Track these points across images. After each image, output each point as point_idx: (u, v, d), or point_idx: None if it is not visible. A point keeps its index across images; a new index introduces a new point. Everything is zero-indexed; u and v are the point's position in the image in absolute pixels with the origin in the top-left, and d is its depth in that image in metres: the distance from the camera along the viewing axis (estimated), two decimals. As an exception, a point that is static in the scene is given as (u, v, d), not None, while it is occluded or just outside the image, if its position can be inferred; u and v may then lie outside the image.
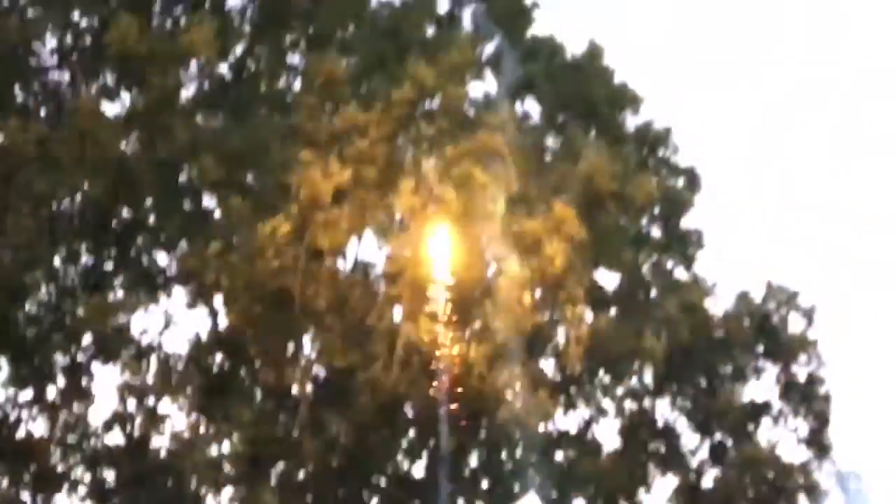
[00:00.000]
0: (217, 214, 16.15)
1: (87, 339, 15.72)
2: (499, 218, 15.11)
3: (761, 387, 17.18)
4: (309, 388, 16.54)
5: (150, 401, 15.91)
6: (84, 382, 16.13)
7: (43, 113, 16.57)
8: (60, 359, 15.94)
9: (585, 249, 15.23)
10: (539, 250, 15.13)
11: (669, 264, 18.62)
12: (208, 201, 16.68)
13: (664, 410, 17.05)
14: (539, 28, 19.35)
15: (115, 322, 15.39)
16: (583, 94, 17.66)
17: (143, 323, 16.20)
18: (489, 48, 19.18)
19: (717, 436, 16.66)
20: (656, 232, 18.67)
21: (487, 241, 16.06)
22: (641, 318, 16.64)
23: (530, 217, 14.94)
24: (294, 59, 18.77)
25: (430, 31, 17.17)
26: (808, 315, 17.35)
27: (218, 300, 16.26)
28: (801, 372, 17.35)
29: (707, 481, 16.65)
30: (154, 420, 16.21)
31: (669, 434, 16.76)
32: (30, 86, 16.50)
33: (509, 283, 15.63)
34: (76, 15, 17.71)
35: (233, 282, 15.21)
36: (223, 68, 17.87)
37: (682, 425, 16.96)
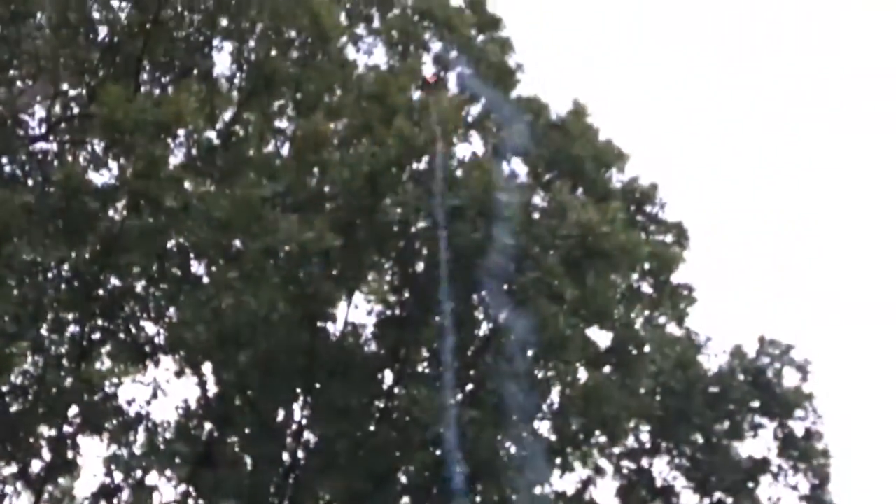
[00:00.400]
0: (205, 280, 16.05)
1: (73, 410, 15.43)
2: (490, 276, 15.07)
3: (759, 443, 16.97)
4: (300, 455, 16.26)
5: (138, 473, 15.57)
6: (70, 455, 15.78)
7: (30, 182, 16.56)
8: (46, 431, 15.62)
9: (576, 307, 15.16)
10: (529, 309, 15.06)
11: (662, 320, 18.57)
12: (197, 268, 16.62)
13: (662, 469, 16.79)
14: (524, 88, 19.66)
15: (102, 392, 15.14)
16: (568, 152, 17.81)
17: (131, 392, 15.98)
18: (475, 109, 19.42)
19: (717, 494, 16.38)
20: (647, 288, 18.66)
21: (479, 299, 16.01)
22: (635, 376, 16.50)
23: (520, 276, 14.90)
24: (282, 123, 18.97)
25: (416, 94, 17.36)
26: (803, 369, 17.25)
27: (206, 367, 16.08)
28: (798, 427, 17.18)
29: (708, 542, 16.31)
30: (142, 492, 15.85)
31: (668, 493, 16.47)
32: (17, 156, 16.52)
33: (500, 342, 15.52)
34: (64, 85, 17.90)
35: (221, 350, 15.04)
36: (211, 134, 18.01)
37: (681, 484, 16.68)
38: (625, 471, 16.55)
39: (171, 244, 16.01)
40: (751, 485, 16.51)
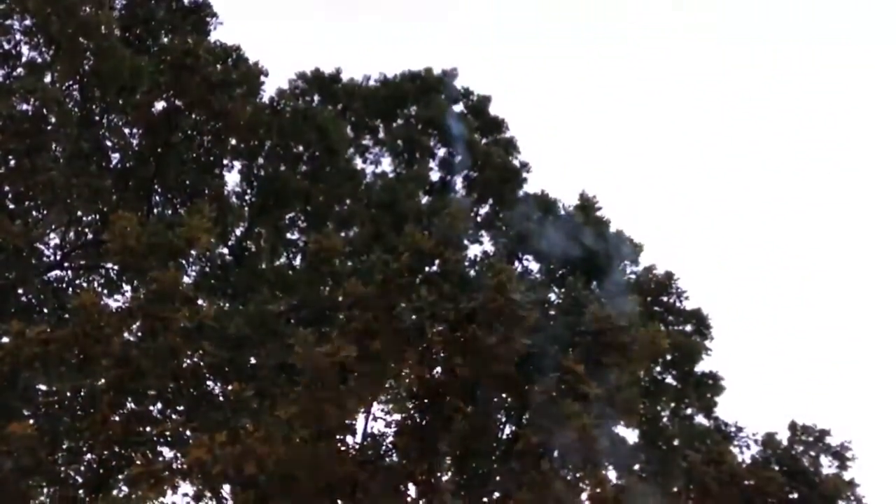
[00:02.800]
0: (221, 399, 15.82)
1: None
2: (509, 380, 14.78)
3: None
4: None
5: None
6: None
7: (45, 311, 16.62)
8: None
9: (601, 405, 14.80)
10: (553, 411, 14.70)
11: (689, 412, 18.11)
12: (212, 386, 16.42)
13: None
14: (531, 186, 19.87)
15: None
16: (579, 247, 17.80)
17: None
18: (483, 209, 19.58)
19: None
20: (671, 380, 18.28)
21: (500, 402, 15.66)
22: (666, 474, 15.95)
23: (539, 375, 14.61)
24: (293, 235, 19.15)
25: (425, 199, 17.55)
26: (841, 455, 16.61)
27: (225, 489, 15.66)
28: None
29: None
30: None
31: None
32: (31, 285, 16.64)
33: (527, 448, 15.09)
34: (78, 212, 18.20)
35: (240, 471, 14.67)
36: (223, 250, 18.16)
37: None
38: (664, 576, 15.76)
39: (185, 364, 15.87)
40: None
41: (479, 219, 19.57)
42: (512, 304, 15.14)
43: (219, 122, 17.89)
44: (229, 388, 15.63)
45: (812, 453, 16.63)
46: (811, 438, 16.67)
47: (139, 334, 15.63)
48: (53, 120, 16.67)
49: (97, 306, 15.15)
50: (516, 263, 18.24)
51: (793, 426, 16.88)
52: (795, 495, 16.33)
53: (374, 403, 16.26)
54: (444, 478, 15.54)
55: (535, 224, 18.83)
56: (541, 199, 19.63)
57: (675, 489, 15.52)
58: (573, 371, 14.57)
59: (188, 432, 15.71)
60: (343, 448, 15.88)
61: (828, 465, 16.54)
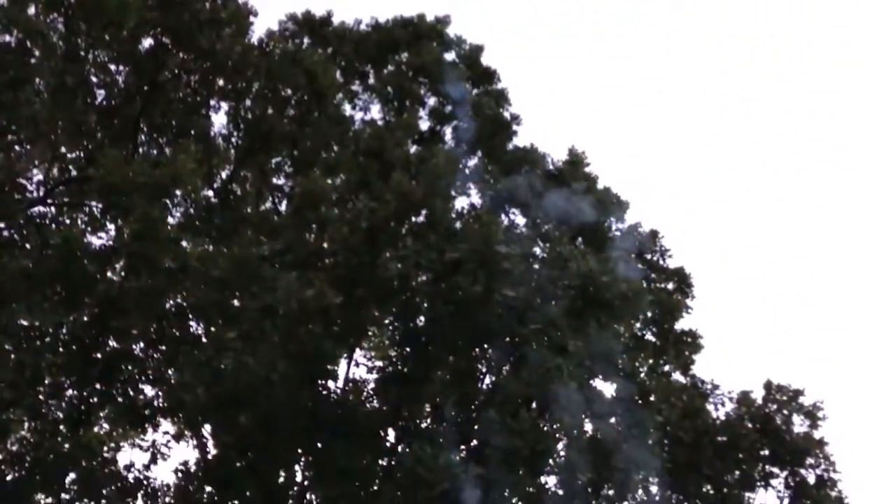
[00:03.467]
0: (204, 340, 15.88)
1: (70, 477, 15.14)
2: (491, 330, 14.90)
3: (771, 493, 16.59)
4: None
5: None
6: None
7: (28, 246, 16.51)
8: (43, 500, 15.30)
9: (580, 358, 14.98)
10: (533, 361, 14.87)
11: (667, 368, 18.33)
12: (195, 328, 16.46)
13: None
14: (521, 139, 19.77)
15: (101, 458, 14.87)
16: (566, 202, 17.80)
17: (130, 457, 15.72)
18: (472, 162, 19.49)
19: (730, 548, 15.97)
20: (651, 336, 18.47)
21: (481, 352, 15.82)
22: (642, 427, 16.21)
23: (522, 327, 14.74)
24: (279, 181, 19.01)
25: (413, 148, 17.44)
26: (812, 414, 16.93)
27: (206, 430, 15.82)
28: (810, 475, 16.77)
29: None
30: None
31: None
32: (14, 220, 16.50)
33: (506, 396, 15.29)
34: (62, 148, 17.97)
35: (222, 411, 14.81)
36: (209, 192, 18.03)
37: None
38: (635, 526, 16.15)
39: (169, 305, 15.89)
40: (764, 537, 16.09)
41: (467, 171, 19.49)
42: (497, 256, 15.20)
43: (206, 61, 17.60)
44: (212, 329, 15.69)
45: (785, 412, 16.95)
46: (785, 398, 16.97)
47: (122, 273, 15.60)
48: (37, 53, 16.35)
49: (80, 243, 15.08)
50: (503, 217, 18.24)
51: (768, 385, 17.17)
52: (766, 451, 16.69)
53: (357, 350, 16.38)
54: (424, 424, 15.76)
55: (524, 178, 18.79)
56: (530, 152, 19.55)
57: (650, 442, 15.80)
58: (554, 324, 14.70)
59: (170, 371, 15.82)
60: (325, 392, 16.04)
61: (799, 424, 16.88)
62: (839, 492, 16.68)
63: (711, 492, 16.35)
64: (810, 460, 16.73)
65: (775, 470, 16.76)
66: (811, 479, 16.53)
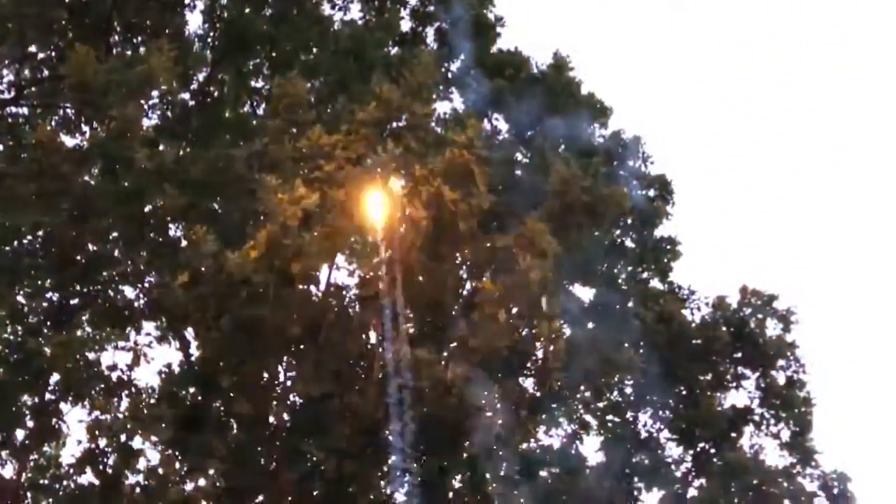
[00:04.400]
0: (184, 244, 15.84)
1: (54, 377, 15.31)
2: (471, 235, 14.94)
3: (742, 394, 17.12)
4: (286, 416, 16.23)
5: (122, 437, 15.52)
6: (53, 423, 15.70)
7: (1, 148, 16.22)
8: (28, 400, 15.51)
9: (560, 263, 15.10)
10: (513, 266, 14.98)
11: (645, 275, 18.58)
12: (174, 231, 16.40)
13: (646, 422, 16.92)
14: (505, 42, 19.36)
15: (84, 359, 15.01)
16: (550, 107, 17.61)
17: (113, 358, 15.87)
18: (455, 65, 19.13)
19: (700, 445, 16.55)
20: (630, 243, 18.64)
21: (461, 259, 15.90)
22: (619, 330, 16.54)
23: (503, 233, 14.78)
24: (257, 83, 18.62)
25: (394, 50, 17.06)
26: (785, 319, 17.33)
27: (189, 332, 15.94)
28: (780, 377, 17.29)
29: (692, 491, 16.50)
30: (127, 457, 15.82)
31: (653, 446, 16.63)
32: (-14, 121, 16.16)
33: (485, 300, 15.45)
34: (33, 47, 17.45)
35: (203, 313, 14.89)
36: (185, 95, 17.67)
37: (665, 436, 16.83)
38: (610, 425, 16.67)
39: (147, 208, 15.76)
40: (733, 435, 16.67)
41: (449, 74, 19.14)
42: (478, 161, 15.10)
43: (180, -44, 16.98)
44: (191, 232, 15.63)
45: (759, 316, 17.35)
46: (759, 302, 17.34)
47: (99, 176, 15.41)
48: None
49: (55, 143, 14.81)
50: (485, 121, 18.05)
51: (743, 290, 17.52)
52: (739, 354, 17.15)
53: (338, 254, 16.39)
54: (404, 327, 15.94)
55: (507, 82, 18.50)
56: (514, 56, 19.20)
57: (626, 345, 16.15)
58: (533, 228, 14.74)
59: (151, 275, 15.83)
60: (306, 296, 16.14)
61: (773, 328, 17.31)
62: (807, 392, 17.27)
63: (685, 392, 16.85)
64: (781, 362, 17.24)
65: (747, 372, 17.29)
66: (781, 380, 17.06)
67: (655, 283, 18.62)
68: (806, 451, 16.66)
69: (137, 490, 15.73)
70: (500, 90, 18.15)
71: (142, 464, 16.18)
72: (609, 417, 16.65)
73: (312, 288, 16.38)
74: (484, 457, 15.85)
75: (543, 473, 16.28)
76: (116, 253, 15.75)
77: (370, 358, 16.44)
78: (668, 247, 18.24)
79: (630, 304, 17.08)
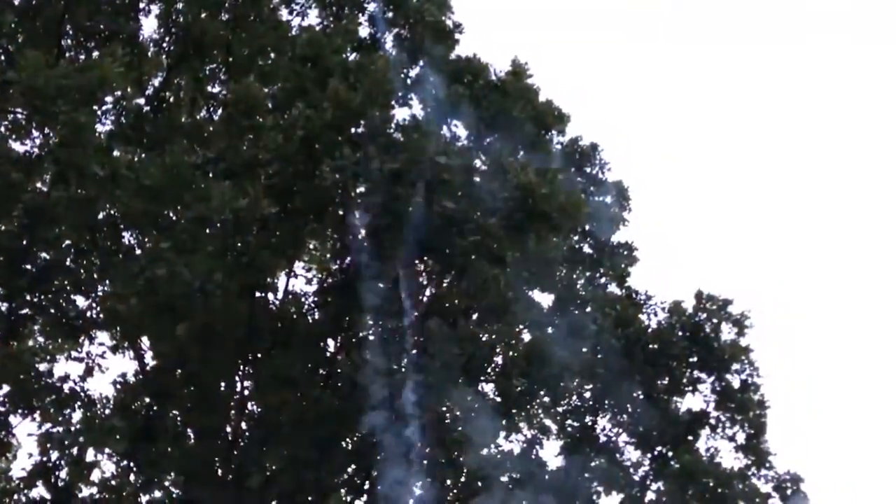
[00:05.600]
0: (137, 252, 15.60)
1: (4, 389, 14.97)
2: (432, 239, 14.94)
3: (698, 397, 17.34)
4: (243, 426, 16.07)
5: (75, 450, 15.22)
6: (3, 436, 15.34)
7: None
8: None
9: (518, 269, 15.17)
10: (472, 272, 15.02)
11: (603, 280, 18.72)
12: (128, 238, 16.14)
13: (605, 427, 17.07)
14: (463, 49, 19.37)
15: (34, 370, 14.69)
16: (508, 114, 17.68)
17: (65, 369, 15.57)
18: (413, 71, 19.10)
19: (658, 449, 16.73)
20: (588, 249, 18.76)
21: (422, 263, 15.90)
22: (577, 335, 16.65)
23: (461, 239, 14.81)
24: (213, 88, 18.41)
25: (352, 56, 16.97)
26: (740, 323, 17.59)
27: (143, 341, 15.70)
28: (735, 380, 17.55)
29: (650, 495, 16.68)
30: (80, 470, 15.52)
31: (612, 450, 16.77)
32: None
33: (444, 307, 15.49)
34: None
35: (157, 322, 14.68)
36: (140, 100, 17.39)
37: (624, 440, 16.99)
38: (569, 429, 16.77)
39: (100, 215, 15.49)
40: (690, 438, 16.88)
41: (408, 80, 19.12)
42: (436, 168, 15.11)
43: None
44: (145, 240, 15.40)
45: (714, 320, 17.57)
46: (714, 307, 17.56)
47: (50, 183, 15.10)
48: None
49: (4, 149, 14.49)
50: (444, 127, 18.05)
51: (698, 295, 17.72)
52: (695, 358, 17.36)
53: (296, 262, 16.29)
54: (363, 333, 15.89)
55: (465, 88, 18.54)
56: (472, 62, 19.23)
57: (584, 350, 16.27)
58: (493, 235, 14.80)
59: (104, 283, 15.55)
60: (264, 304, 16.01)
61: (727, 332, 17.55)
62: (762, 395, 17.54)
63: (643, 397, 17.01)
64: (736, 366, 17.49)
65: (703, 376, 17.50)
66: (736, 384, 17.31)
67: (613, 289, 18.78)
68: (760, 454, 16.92)
69: None
70: (459, 96, 18.18)
71: (95, 476, 15.93)
72: (568, 422, 16.75)
73: (270, 295, 16.27)
74: (445, 462, 15.85)
75: (504, 479, 16.33)
76: (68, 262, 15.43)
77: (329, 365, 16.38)
78: (626, 252, 18.42)
79: (588, 310, 17.20)
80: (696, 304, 17.63)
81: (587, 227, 17.97)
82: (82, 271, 15.35)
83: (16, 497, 15.92)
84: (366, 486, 16.14)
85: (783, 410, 18.94)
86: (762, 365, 17.50)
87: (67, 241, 15.26)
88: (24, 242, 14.80)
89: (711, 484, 16.33)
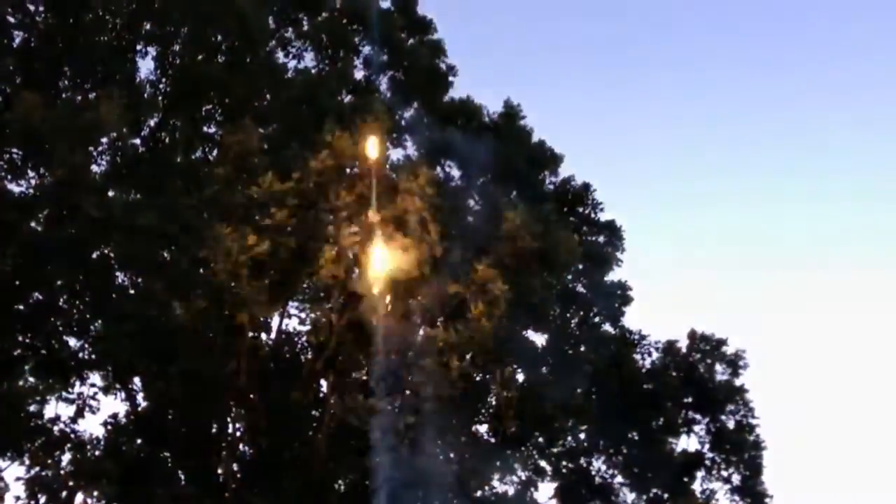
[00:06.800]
0: (131, 293, 15.56)
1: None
2: (423, 283, 14.97)
3: (693, 439, 17.27)
4: (235, 468, 15.90)
5: (64, 494, 14.99)
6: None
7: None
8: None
9: (512, 309, 15.18)
10: (464, 313, 15.02)
11: (597, 320, 18.74)
12: (121, 279, 16.11)
13: (600, 468, 16.95)
14: (457, 91, 19.64)
15: (25, 411, 14.54)
16: (501, 155, 17.84)
17: (56, 410, 15.39)
18: (407, 113, 19.32)
19: (654, 491, 16.60)
20: (582, 289, 18.81)
21: (413, 307, 15.89)
22: (571, 375, 16.62)
23: (454, 280, 14.84)
24: (209, 129, 18.53)
25: (347, 98, 17.17)
26: (734, 363, 17.60)
27: (136, 383, 15.60)
28: (730, 421, 17.50)
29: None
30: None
31: (607, 491, 16.63)
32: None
33: (437, 347, 15.44)
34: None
35: (149, 363, 14.61)
36: (136, 141, 17.48)
37: (619, 482, 16.86)
38: (564, 471, 16.64)
39: (94, 255, 15.47)
40: (685, 479, 16.76)
41: (402, 122, 19.32)
42: (431, 209, 15.19)
43: (133, 3, 16.92)
44: (139, 280, 15.37)
45: (708, 360, 17.58)
46: (708, 347, 17.58)
47: (45, 222, 15.11)
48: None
49: (1, 189, 14.52)
50: (438, 169, 18.20)
51: (692, 335, 17.76)
52: (690, 399, 17.32)
53: (289, 301, 16.27)
54: (355, 374, 15.84)
55: (459, 130, 18.74)
56: (466, 104, 19.46)
57: (579, 391, 16.22)
58: (485, 274, 14.84)
59: (97, 323, 15.48)
60: (255, 345, 15.95)
61: (721, 372, 17.54)
62: (756, 435, 17.48)
63: (637, 437, 16.93)
64: (731, 407, 17.45)
65: (697, 416, 17.45)
66: (731, 425, 17.26)
67: (607, 328, 18.79)
68: (757, 495, 16.81)
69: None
70: (452, 138, 18.37)
71: (84, 520, 15.64)
72: (563, 463, 16.64)
73: (263, 336, 16.24)
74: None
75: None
76: (61, 302, 15.37)
77: (323, 406, 16.27)
78: (619, 292, 18.47)
79: (582, 349, 17.18)
80: (690, 344, 17.66)
81: (580, 267, 18.04)
82: (75, 312, 15.28)
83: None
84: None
85: (780, 451, 18.82)
86: (757, 405, 17.47)
87: (60, 282, 15.19)
88: (17, 282, 14.75)
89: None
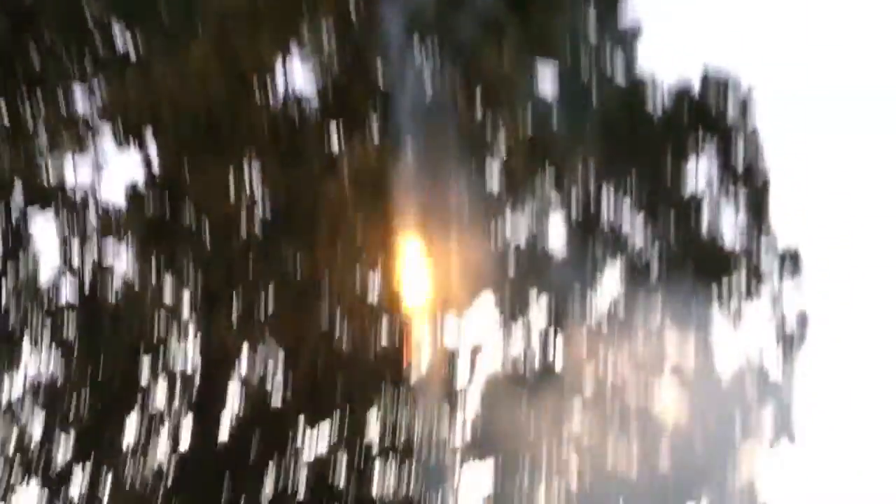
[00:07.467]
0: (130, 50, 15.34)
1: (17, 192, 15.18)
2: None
3: (700, 173, 17.38)
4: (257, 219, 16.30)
5: (94, 249, 15.61)
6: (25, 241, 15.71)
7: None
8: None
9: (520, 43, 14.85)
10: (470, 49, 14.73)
11: (608, 67, 18.29)
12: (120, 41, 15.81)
13: (609, 201, 17.24)
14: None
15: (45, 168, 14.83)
16: None
17: (75, 174, 15.67)
18: None
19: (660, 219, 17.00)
20: (592, 36, 18.22)
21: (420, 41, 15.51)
22: (580, 119, 16.53)
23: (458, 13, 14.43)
24: None
25: None
26: (744, 100, 17.36)
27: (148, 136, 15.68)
28: (739, 164, 17.49)
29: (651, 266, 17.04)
30: (102, 270, 15.94)
31: (615, 219, 17.04)
32: None
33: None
34: None
35: (158, 116, 14.64)
36: None
37: (627, 210, 17.18)
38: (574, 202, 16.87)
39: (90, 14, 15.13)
40: (693, 214, 17.06)
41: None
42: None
43: None
44: (137, 35, 15.09)
45: (720, 100, 17.33)
46: (721, 84, 17.28)
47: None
48: None
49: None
50: None
51: (704, 74, 17.39)
52: (701, 140, 17.24)
53: (292, 48, 15.96)
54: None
55: None
56: None
57: (588, 125, 16.19)
58: (492, 7, 14.39)
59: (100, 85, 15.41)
60: (263, 98, 15.84)
61: (733, 109, 17.32)
62: (765, 179, 17.52)
63: (646, 178, 17.06)
64: (740, 145, 17.42)
65: (707, 157, 17.47)
66: (740, 158, 17.30)
67: (618, 79, 18.36)
68: (762, 227, 17.13)
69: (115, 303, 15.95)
70: None
71: (118, 276, 16.32)
72: (574, 194, 16.81)
73: (269, 90, 16.06)
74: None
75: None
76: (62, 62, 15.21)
77: (337, 161, 16.39)
78: (631, 33, 17.85)
79: (593, 91, 16.92)
80: (703, 83, 17.36)
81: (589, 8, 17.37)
82: (76, 64, 15.17)
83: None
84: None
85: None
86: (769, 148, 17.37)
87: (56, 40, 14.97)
88: (15, 43, 14.56)
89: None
